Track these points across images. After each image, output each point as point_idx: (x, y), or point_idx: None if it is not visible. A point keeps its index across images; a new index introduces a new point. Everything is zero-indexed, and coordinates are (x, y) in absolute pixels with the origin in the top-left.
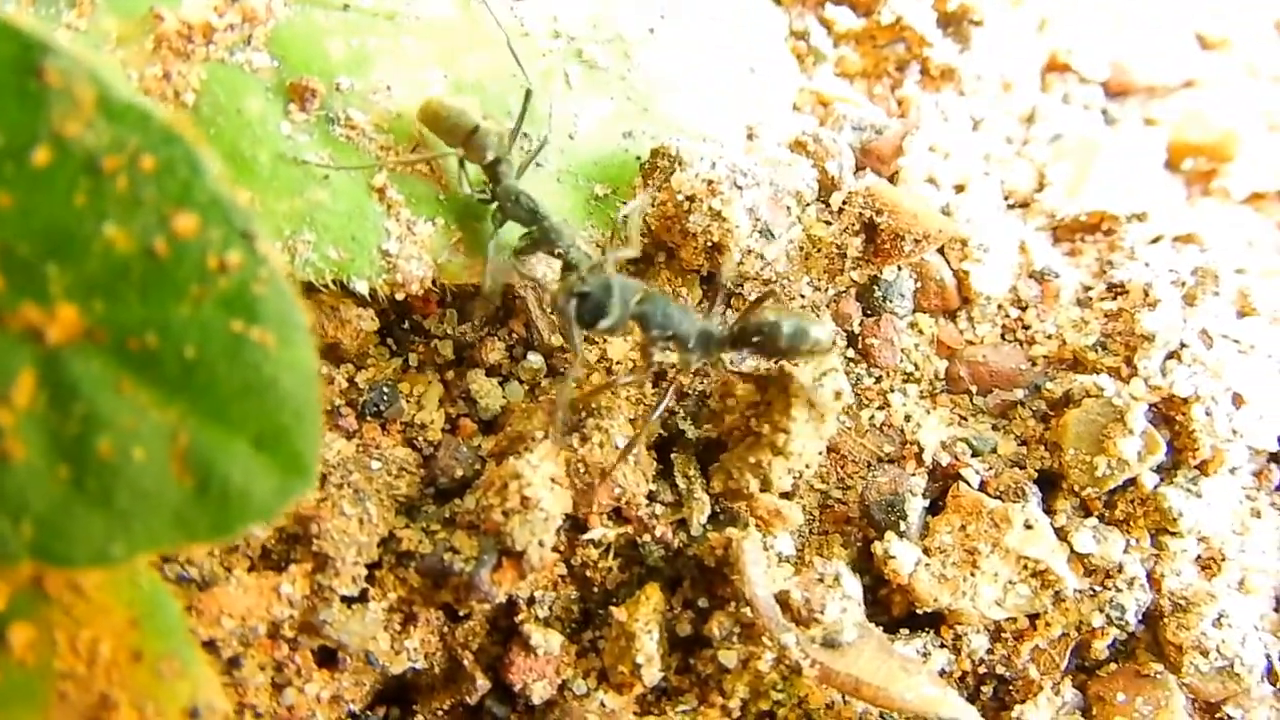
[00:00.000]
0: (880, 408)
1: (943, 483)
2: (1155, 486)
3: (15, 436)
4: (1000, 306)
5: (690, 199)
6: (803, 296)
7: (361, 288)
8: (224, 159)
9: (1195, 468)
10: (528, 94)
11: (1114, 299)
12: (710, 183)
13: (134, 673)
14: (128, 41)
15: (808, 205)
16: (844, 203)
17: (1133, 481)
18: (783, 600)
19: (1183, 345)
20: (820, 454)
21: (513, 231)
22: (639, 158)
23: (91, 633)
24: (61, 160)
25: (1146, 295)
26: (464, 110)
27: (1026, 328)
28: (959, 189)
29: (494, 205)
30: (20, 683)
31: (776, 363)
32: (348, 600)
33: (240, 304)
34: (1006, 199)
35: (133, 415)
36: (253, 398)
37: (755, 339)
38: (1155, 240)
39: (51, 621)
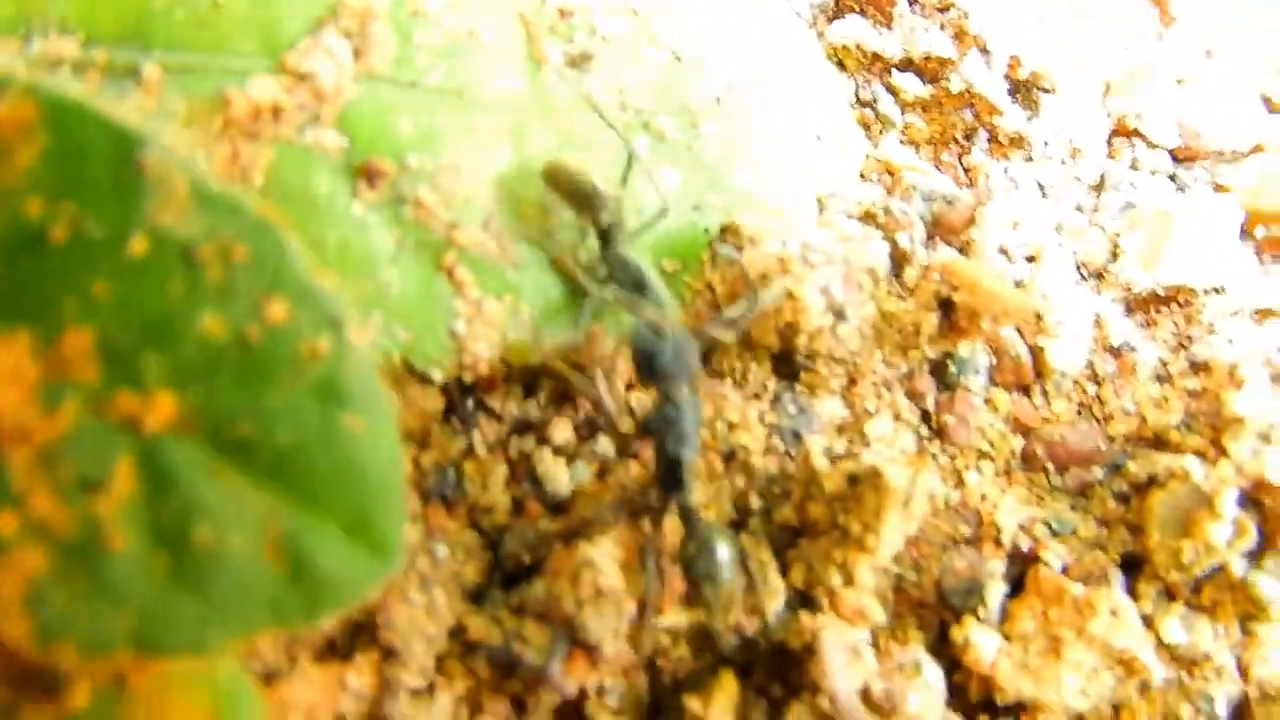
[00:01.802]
0: (955, 487)
1: (1022, 566)
2: (1244, 573)
3: (116, 526)
4: (1076, 382)
5: (762, 277)
6: (874, 373)
7: (435, 376)
8: None
9: None
10: (631, 157)
11: (1197, 376)
12: (782, 260)
13: None
14: (195, 122)
15: (881, 281)
16: (919, 278)
17: (1221, 567)
18: (863, 692)
19: (1272, 427)
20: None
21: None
22: (708, 230)
23: None
24: (158, 250)
25: (1233, 375)
26: (585, 171)
27: (1103, 404)
28: (1031, 259)
29: (601, 270)
30: None
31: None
32: (415, 692)
33: (331, 389)
34: (1080, 270)
35: (229, 503)
36: (342, 482)
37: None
38: (1234, 314)
39: (133, 717)
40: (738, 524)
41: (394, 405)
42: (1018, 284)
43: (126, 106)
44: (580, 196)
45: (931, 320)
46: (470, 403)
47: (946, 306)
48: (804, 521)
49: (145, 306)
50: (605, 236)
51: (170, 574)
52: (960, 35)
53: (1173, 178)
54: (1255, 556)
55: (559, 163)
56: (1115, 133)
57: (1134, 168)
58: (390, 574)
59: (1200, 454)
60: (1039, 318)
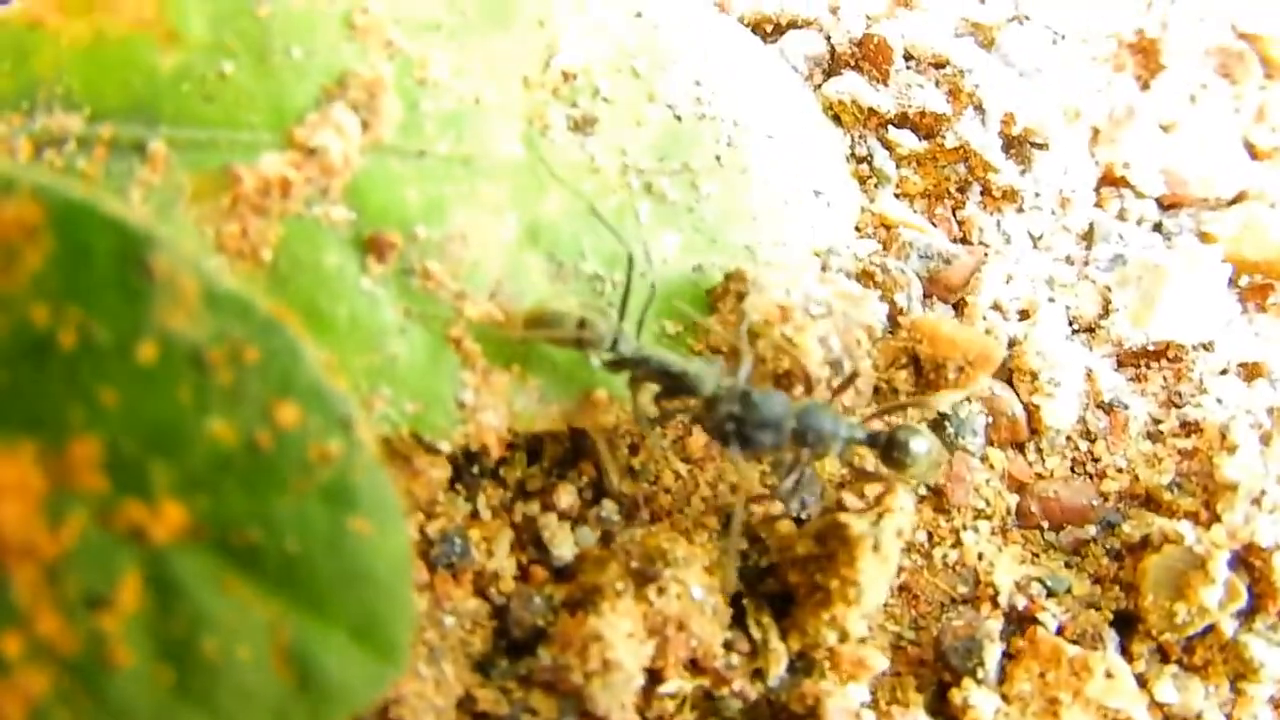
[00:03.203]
0: (953, 546)
1: (1018, 625)
2: (1235, 634)
3: (122, 643)
4: (1069, 439)
5: (765, 324)
6: None
7: (443, 448)
8: (302, 315)
9: (1276, 614)
10: (630, 260)
11: (1188, 437)
12: (784, 309)
13: None
14: (203, 198)
15: (878, 340)
16: (888, 334)
17: (1212, 628)
18: None
19: (1263, 492)
20: (890, 589)
21: None
22: (709, 291)
23: None
24: (167, 355)
25: (1224, 438)
26: (565, 312)
27: (1096, 460)
28: (1024, 315)
29: (627, 374)
30: None
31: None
32: None
33: (340, 494)
34: (1071, 325)
35: (236, 613)
36: (350, 587)
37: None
38: (1223, 372)
39: None
40: (741, 592)
41: (401, 498)
42: (1012, 341)
43: (133, 184)
44: (569, 337)
45: (902, 377)
46: (475, 468)
47: (916, 362)
48: (788, 588)
49: (154, 413)
50: (614, 351)
51: (175, 688)
52: (955, 93)
53: (1158, 226)
54: (1246, 617)
55: (536, 313)
56: (1103, 181)
57: (1121, 217)
58: (397, 677)
59: (1193, 516)
60: (1033, 375)
